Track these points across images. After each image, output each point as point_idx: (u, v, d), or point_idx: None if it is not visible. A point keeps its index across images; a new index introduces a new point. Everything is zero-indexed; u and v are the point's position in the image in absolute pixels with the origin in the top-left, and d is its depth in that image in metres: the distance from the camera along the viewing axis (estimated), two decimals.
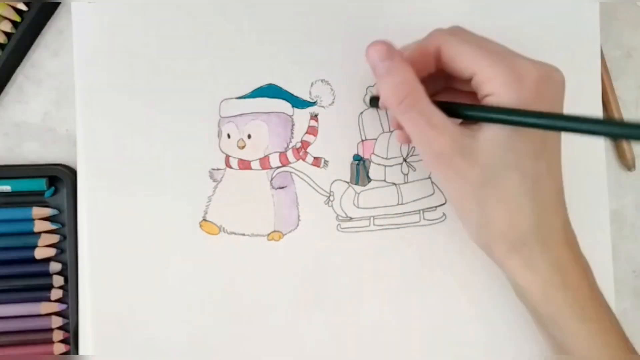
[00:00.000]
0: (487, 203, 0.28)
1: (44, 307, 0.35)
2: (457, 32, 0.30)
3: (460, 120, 0.29)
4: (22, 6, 0.34)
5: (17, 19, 0.34)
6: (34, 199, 0.35)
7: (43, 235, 0.35)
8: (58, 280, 0.35)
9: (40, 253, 0.35)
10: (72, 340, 0.35)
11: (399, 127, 0.30)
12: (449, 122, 0.28)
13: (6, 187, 0.35)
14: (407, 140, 0.31)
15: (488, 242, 0.30)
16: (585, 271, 0.30)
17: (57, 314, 0.35)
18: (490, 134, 0.27)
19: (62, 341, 0.35)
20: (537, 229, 0.28)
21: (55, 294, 0.35)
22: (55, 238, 0.35)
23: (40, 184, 0.35)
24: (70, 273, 0.35)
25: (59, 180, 0.35)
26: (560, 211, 0.29)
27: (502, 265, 0.30)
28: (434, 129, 0.28)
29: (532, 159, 0.28)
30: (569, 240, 0.30)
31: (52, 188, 0.35)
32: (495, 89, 0.27)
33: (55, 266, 0.35)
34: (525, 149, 0.27)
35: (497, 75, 0.27)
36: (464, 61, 0.28)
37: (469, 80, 0.28)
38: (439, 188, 0.36)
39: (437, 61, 0.30)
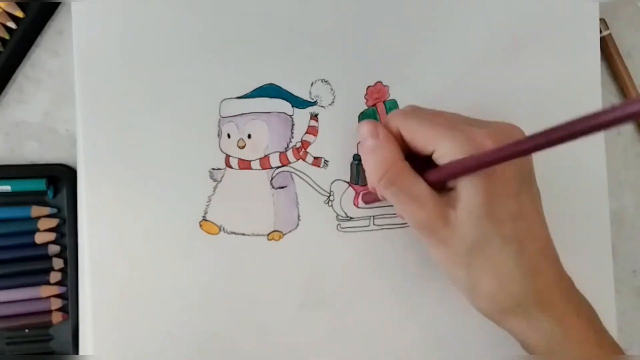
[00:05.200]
0: (474, 269, 0.29)
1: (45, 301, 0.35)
2: (411, 112, 0.31)
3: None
4: (18, 13, 0.34)
5: (20, 14, 0.34)
6: (34, 198, 0.35)
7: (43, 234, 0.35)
8: (57, 280, 0.35)
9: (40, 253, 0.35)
10: (71, 338, 0.35)
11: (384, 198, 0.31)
12: (430, 194, 0.29)
13: (6, 187, 0.35)
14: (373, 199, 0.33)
15: (481, 306, 0.30)
16: (588, 319, 0.29)
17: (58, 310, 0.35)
18: (466, 203, 0.28)
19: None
20: (529, 289, 0.28)
21: (55, 302, 0.35)
22: (54, 238, 0.35)
23: (40, 184, 0.35)
24: (70, 273, 0.35)
25: (59, 180, 0.35)
26: (550, 266, 0.29)
27: (501, 326, 0.30)
28: (415, 201, 0.29)
29: (510, 221, 0.28)
30: (565, 292, 0.29)
31: (52, 188, 0.35)
32: (454, 158, 0.28)
33: (55, 266, 0.35)
34: (502, 213, 0.28)
35: (454, 147, 0.27)
36: (422, 139, 0.29)
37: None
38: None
39: (402, 142, 0.30)
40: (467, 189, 0.28)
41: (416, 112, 0.31)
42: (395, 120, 0.31)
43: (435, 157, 0.29)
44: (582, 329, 0.29)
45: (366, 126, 0.31)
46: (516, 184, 0.28)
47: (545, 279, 0.29)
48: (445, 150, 0.28)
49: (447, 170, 0.28)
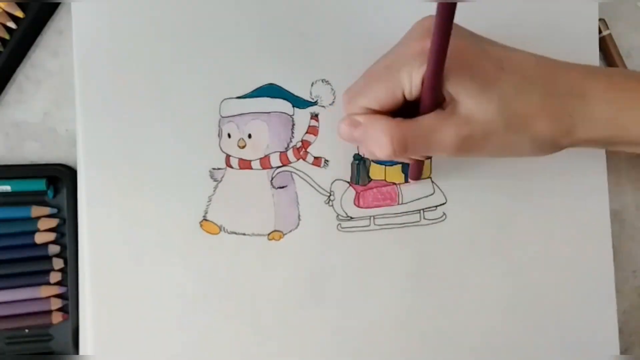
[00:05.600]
0: (511, 122, 0.28)
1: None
2: (350, 95, 0.31)
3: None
4: (18, 13, 0.34)
5: (20, 14, 0.34)
6: (34, 198, 0.35)
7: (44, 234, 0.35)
8: (57, 280, 0.35)
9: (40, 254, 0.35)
10: (71, 338, 0.35)
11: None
12: (438, 118, 0.28)
13: (6, 187, 0.35)
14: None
15: (550, 134, 0.29)
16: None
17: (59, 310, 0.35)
18: (460, 91, 0.28)
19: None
20: (547, 94, 0.29)
21: (56, 301, 0.35)
22: (54, 238, 0.35)
23: (40, 184, 0.35)
24: (70, 273, 0.35)
25: (59, 180, 0.35)
26: (557, 68, 0.30)
27: (573, 143, 0.30)
28: (436, 140, 0.28)
29: (498, 71, 0.28)
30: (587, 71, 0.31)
31: (52, 188, 0.35)
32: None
33: (55, 266, 0.35)
34: (486, 73, 0.28)
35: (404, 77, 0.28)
36: (383, 98, 0.29)
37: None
38: (439, 187, 0.36)
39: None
40: (452, 89, 0.28)
41: (350, 95, 0.31)
42: (352, 106, 0.31)
43: (405, 95, 0.29)
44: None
45: (343, 124, 0.31)
46: (472, 49, 0.28)
47: (559, 82, 0.29)
48: (403, 83, 0.28)
49: (426, 85, 0.28)
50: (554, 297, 0.37)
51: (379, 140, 0.29)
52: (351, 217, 0.35)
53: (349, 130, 0.31)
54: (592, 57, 0.37)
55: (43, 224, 0.35)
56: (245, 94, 0.34)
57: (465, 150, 0.29)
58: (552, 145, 0.30)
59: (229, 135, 0.34)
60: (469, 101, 0.28)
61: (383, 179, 0.35)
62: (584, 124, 0.29)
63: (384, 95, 0.29)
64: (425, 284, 0.36)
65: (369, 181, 0.35)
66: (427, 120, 0.28)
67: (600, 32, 0.38)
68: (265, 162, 0.35)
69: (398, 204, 0.35)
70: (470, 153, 0.29)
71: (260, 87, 0.34)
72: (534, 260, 0.37)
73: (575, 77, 0.30)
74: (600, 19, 0.37)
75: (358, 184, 0.35)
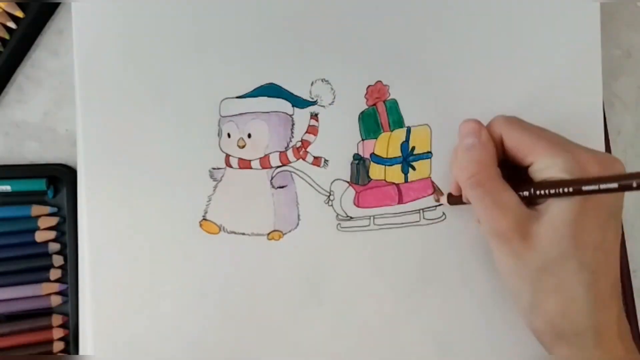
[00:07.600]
0: (541, 288, 0.28)
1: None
2: (516, 121, 0.31)
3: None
4: (18, 13, 0.34)
5: (20, 14, 0.34)
6: (34, 198, 0.35)
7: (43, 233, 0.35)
8: (57, 277, 0.35)
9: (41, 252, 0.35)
10: (71, 338, 0.35)
11: (469, 201, 0.31)
12: (516, 204, 0.28)
13: (6, 187, 0.35)
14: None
15: (538, 326, 0.30)
16: None
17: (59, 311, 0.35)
18: (553, 219, 0.27)
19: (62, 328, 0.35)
20: (591, 321, 0.28)
21: (56, 299, 0.35)
22: (55, 236, 0.35)
23: (40, 184, 0.35)
24: (70, 272, 0.35)
25: (59, 180, 0.35)
26: (615, 303, 0.29)
27: (551, 351, 0.30)
28: (498, 208, 0.28)
29: (591, 249, 0.28)
30: (622, 333, 0.29)
31: (52, 187, 0.35)
32: (555, 174, 0.27)
33: (55, 263, 0.35)
34: (586, 238, 0.27)
35: (557, 163, 0.27)
36: (524, 149, 0.29)
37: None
38: (438, 187, 0.36)
39: (502, 148, 0.30)
40: (558, 205, 0.27)
41: (521, 122, 0.31)
42: (499, 126, 0.30)
43: (532, 169, 0.29)
44: None
45: (471, 124, 0.31)
46: (606, 215, 0.28)
47: (609, 315, 0.28)
48: (545, 165, 0.28)
49: (543, 187, 0.28)
50: None
51: (470, 162, 0.30)
52: (351, 217, 0.35)
53: (468, 132, 0.31)
54: (594, 56, 0.37)
55: (43, 222, 0.35)
56: (245, 94, 0.34)
57: (496, 239, 0.29)
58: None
59: (229, 135, 0.34)
60: (551, 231, 0.28)
61: (383, 178, 0.35)
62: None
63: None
64: (425, 284, 0.35)
65: (369, 181, 0.35)
66: (513, 199, 0.29)
67: None
68: (265, 161, 0.35)
69: (398, 203, 0.35)
70: (497, 244, 0.29)
71: (260, 86, 0.34)
72: None
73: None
74: None
75: (358, 183, 0.35)
